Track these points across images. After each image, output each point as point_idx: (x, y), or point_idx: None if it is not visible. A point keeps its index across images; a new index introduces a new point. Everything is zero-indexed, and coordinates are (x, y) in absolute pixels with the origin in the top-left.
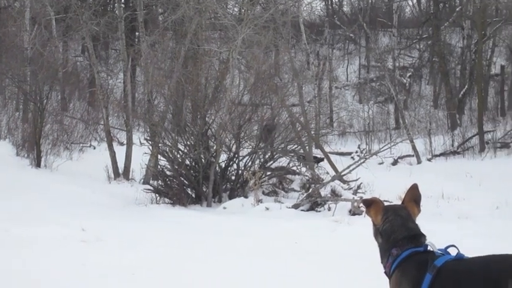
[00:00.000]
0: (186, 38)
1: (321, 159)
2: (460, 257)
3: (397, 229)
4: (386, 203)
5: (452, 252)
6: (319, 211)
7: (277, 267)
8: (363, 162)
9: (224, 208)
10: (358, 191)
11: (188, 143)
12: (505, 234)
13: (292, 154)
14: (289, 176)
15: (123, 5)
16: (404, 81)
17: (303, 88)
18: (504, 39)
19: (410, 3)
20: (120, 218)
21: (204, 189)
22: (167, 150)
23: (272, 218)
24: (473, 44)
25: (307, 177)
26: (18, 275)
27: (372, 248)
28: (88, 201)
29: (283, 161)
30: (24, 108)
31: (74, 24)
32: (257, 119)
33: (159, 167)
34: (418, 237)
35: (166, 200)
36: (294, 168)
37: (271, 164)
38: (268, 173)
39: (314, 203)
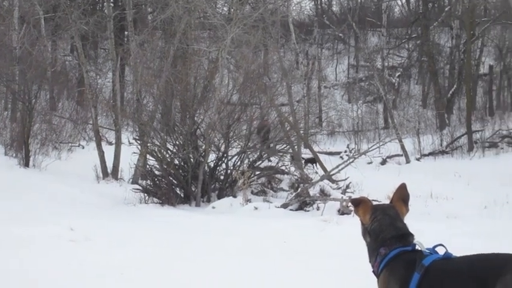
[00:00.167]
0: (175, 38)
1: (313, 160)
2: (448, 256)
3: (386, 228)
4: (375, 203)
5: (441, 251)
6: (308, 211)
7: (266, 266)
8: (352, 161)
9: (213, 208)
10: (347, 190)
11: (177, 142)
12: (493, 234)
13: (281, 154)
14: (278, 176)
15: (112, 4)
16: (393, 80)
17: (292, 88)
18: (492, 39)
19: (400, 3)
20: (109, 218)
21: (193, 189)
22: (156, 149)
23: (261, 217)
24: (462, 43)
25: (296, 177)
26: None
27: (360, 248)
28: (77, 201)
29: (272, 161)
30: (12, 107)
31: (63, 23)
32: (246, 118)
33: (147, 166)
34: (406, 236)
35: (155, 199)
36: (283, 167)
37: (260, 163)
38: (257, 172)
39: (303, 203)
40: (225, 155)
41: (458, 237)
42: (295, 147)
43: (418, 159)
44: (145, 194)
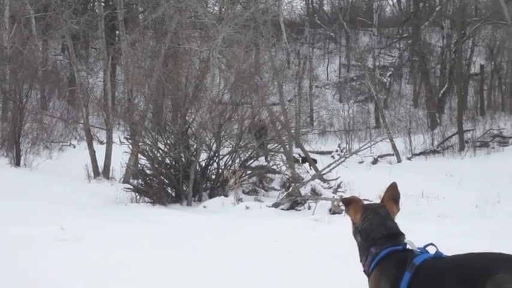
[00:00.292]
0: (167, 37)
1: (304, 159)
2: (438, 256)
3: (376, 228)
4: (365, 202)
5: (431, 250)
6: (299, 210)
7: (257, 265)
8: (343, 161)
9: (204, 207)
10: (338, 190)
11: (168, 141)
12: (484, 233)
13: (273, 153)
14: (270, 175)
15: (103, 4)
16: (385, 80)
17: (283, 87)
18: (483, 39)
19: (391, 2)
20: (100, 217)
21: (184, 188)
22: (147, 149)
23: (252, 216)
24: (453, 43)
25: (287, 176)
26: None
27: (351, 247)
28: (68, 200)
29: (260, 160)
30: (3, 106)
31: (54, 22)
32: (237, 118)
33: (139, 166)
34: (397, 235)
35: (146, 199)
36: (274, 167)
37: (252, 162)
38: (249, 171)
39: (294, 202)
40: (217, 155)
41: (449, 236)
42: (287, 146)
43: (409, 159)
44: (137, 193)
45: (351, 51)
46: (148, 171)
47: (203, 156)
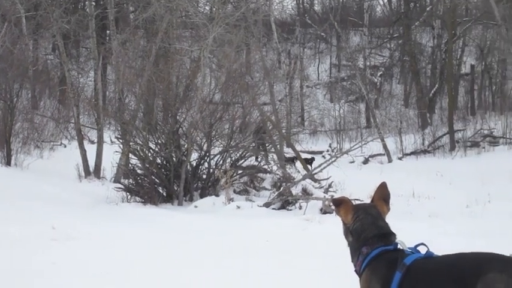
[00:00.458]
0: (157, 37)
1: (308, 160)
2: (429, 255)
3: (367, 228)
4: (356, 202)
5: (422, 250)
6: (291, 210)
7: (248, 265)
8: (334, 161)
9: (195, 207)
10: (329, 189)
11: (159, 141)
12: (475, 233)
13: (263, 153)
14: (261, 175)
15: (93, 3)
16: (375, 80)
17: (274, 87)
18: (474, 39)
19: (381, 2)
20: (91, 217)
21: (175, 188)
22: (138, 148)
23: (243, 216)
24: (443, 43)
25: (278, 176)
26: None
27: (342, 247)
28: (59, 200)
29: (254, 160)
30: None
31: (45, 22)
32: (228, 117)
33: (130, 165)
34: (388, 235)
35: (137, 198)
36: (265, 166)
37: (243, 162)
38: (240, 171)
39: (285, 202)
40: (208, 154)
41: (440, 236)
42: (278, 146)
43: (400, 159)
44: (128, 193)
45: (341, 51)
46: (139, 171)
47: (194, 155)
